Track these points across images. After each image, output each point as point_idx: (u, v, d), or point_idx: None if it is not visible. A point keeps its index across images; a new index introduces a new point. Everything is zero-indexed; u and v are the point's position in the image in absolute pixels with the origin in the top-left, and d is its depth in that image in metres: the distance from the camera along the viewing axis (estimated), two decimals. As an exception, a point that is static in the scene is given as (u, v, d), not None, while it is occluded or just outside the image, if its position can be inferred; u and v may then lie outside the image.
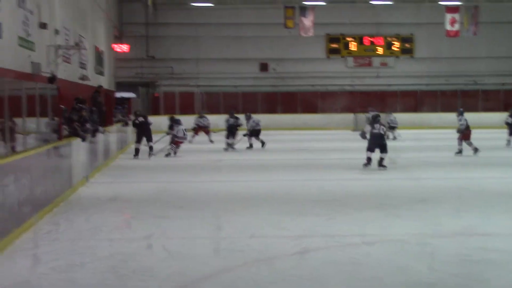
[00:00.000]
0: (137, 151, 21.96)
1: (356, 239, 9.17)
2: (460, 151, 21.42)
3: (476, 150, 21.21)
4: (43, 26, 15.99)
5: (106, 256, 8.35)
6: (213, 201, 12.64)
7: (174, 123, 22.79)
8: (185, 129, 22.75)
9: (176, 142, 22.56)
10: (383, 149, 17.51)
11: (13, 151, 10.40)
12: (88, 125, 15.84)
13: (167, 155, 22.23)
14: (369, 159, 17.62)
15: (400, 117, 36.02)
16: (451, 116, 36.47)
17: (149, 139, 21.89)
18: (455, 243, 9.02)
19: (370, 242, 8.99)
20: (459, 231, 9.76)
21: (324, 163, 19.45)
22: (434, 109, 41.30)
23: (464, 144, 21.33)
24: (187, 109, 39.55)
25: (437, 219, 10.66)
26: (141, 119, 22.12)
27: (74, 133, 14.78)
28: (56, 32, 17.71)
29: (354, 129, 37.34)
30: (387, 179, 15.99)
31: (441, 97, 42.02)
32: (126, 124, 25.84)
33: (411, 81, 42.32)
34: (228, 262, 8.06)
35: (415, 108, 41.96)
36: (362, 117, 35.06)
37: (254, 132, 25.15)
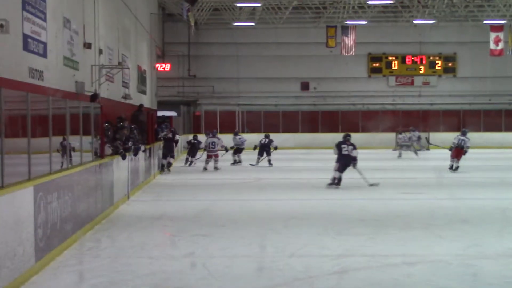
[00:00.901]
0: (162, 166, 23.06)
1: (397, 259, 9.07)
2: (452, 167, 22.48)
3: (452, 168, 22.36)
4: (87, 46, 16.23)
5: (147, 274, 8.38)
6: (254, 220, 12.63)
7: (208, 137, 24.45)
8: (212, 142, 23.96)
9: (208, 156, 23.96)
10: (344, 170, 17.94)
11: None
12: (129, 143, 15.99)
13: (204, 169, 23.66)
14: (334, 179, 17.90)
15: (442, 136, 35.73)
16: (495, 136, 36.14)
17: (170, 155, 23.28)
18: (498, 265, 8.85)
19: (411, 263, 8.88)
20: (503, 252, 9.58)
21: (365, 183, 19.28)
22: (477, 129, 40.73)
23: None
24: (228, 128, 39.71)
25: (480, 240, 10.50)
26: (170, 134, 23.53)
27: (116, 152, 14.93)
28: (100, 51, 17.96)
29: (395, 148, 37.03)
30: (430, 199, 15.83)
31: (485, 116, 41.53)
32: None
33: (454, 100, 41.93)
34: (268, 281, 8.04)
35: (458, 128, 41.43)
36: (403, 136, 34.83)
37: (237, 150, 26.56)
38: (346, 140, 18.17)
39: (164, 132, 24.13)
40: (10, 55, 10.72)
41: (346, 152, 17.91)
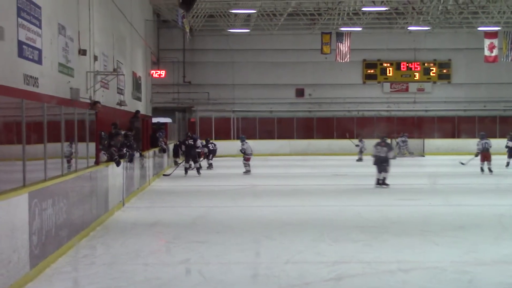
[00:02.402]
0: (186, 170, 24.59)
1: (393, 266, 9.06)
2: (482, 170, 23.91)
3: (482, 171, 23.78)
4: (82, 52, 16.21)
5: (142, 281, 8.37)
6: (250, 227, 12.61)
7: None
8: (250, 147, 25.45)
9: (247, 159, 25.05)
10: (383, 169, 19.19)
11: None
12: (124, 150, 15.96)
13: (245, 172, 25.03)
14: (377, 180, 19.34)
15: (437, 143, 35.75)
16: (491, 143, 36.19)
17: (195, 161, 24.85)
18: (494, 272, 8.85)
19: (407, 269, 8.87)
20: (499, 259, 9.57)
21: (361, 189, 19.33)
22: (472, 135, 40.73)
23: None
24: (222, 134, 39.73)
25: (476, 246, 10.49)
26: (190, 141, 25.13)
27: (111, 158, 14.90)
28: (95, 58, 17.95)
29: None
30: (425, 205, 15.83)
31: (479, 123, 41.51)
32: (164, 150, 26.05)
33: (449, 106, 41.97)
34: (263, 287, 8.03)
35: (452, 134, 41.56)
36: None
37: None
38: (381, 141, 19.45)
39: (160, 139, 24.43)
40: (5, 62, 10.71)
41: (378, 154, 19.21)
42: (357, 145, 34.40)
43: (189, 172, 24.82)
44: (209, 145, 28.69)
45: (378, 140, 19.80)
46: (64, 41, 14.57)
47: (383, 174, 19.28)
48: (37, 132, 9.43)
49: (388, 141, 20.65)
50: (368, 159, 32.24)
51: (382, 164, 19.22)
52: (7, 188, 7.76)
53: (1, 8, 10.50)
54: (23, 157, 8.42)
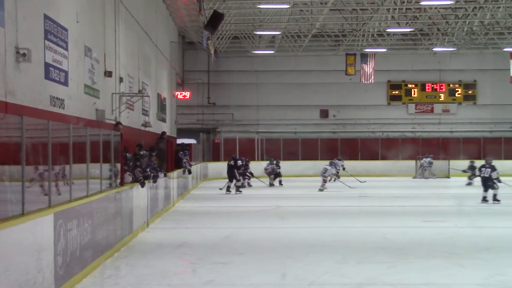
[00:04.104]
0: (228, 188, 26.30)
1: (419, 289, 8.97)
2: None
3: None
4: (108, 74, 16.36)
5: (166, 302, 8.35)
6: (275, 248, 12.57)
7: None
8: (325, 169, 27.06)
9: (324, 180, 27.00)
10: (490, 187, 20.50)
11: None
12: (148, 171, 16.00)
13: (321, 190, 26.62)
14: (484, 197, 20.63)
15: (463, 164, 35.41)
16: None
17: (231, 180, 26.40)
18: (522, 294, 8.74)
19: (433, 292, 8.78)
20: (526, 282, 9.46)
21: (386, 210, 19.21)
22: (498, 157, 40.33)
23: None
24: (247, 155, 39.66)
25: (502, 269, 10.36)
26: (231, 162, 26.60)
27: (135, 179, 14.95)
28: (121, 79, 18.10)
29: (415, 176, 36.83)
30: (451, 227, 15.69)
31: (505, 144, 41.20)
32: (189, 171, 26.07)
33: (474, 127, 41.70)
34: (288, 310, 7.98)
35: (478, 155, 41.18)
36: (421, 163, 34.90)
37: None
38: (486, 163, 20.83)
39: (184, 160, 24.48)
40: (32, 84, 10.83)
41: (483, 175, 20.54)
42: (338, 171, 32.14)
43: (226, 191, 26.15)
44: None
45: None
46: (90, 63, 14.72)
47: (490, 192, 20.39)
48: (63, 153, 9.49)
49: (492, 163, 21.13)
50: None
51: (488, 183, 20.40)
52: (32, 209, 7.81)
53: (28, 31, 10.64)
54: (48, 178, 8.48)
